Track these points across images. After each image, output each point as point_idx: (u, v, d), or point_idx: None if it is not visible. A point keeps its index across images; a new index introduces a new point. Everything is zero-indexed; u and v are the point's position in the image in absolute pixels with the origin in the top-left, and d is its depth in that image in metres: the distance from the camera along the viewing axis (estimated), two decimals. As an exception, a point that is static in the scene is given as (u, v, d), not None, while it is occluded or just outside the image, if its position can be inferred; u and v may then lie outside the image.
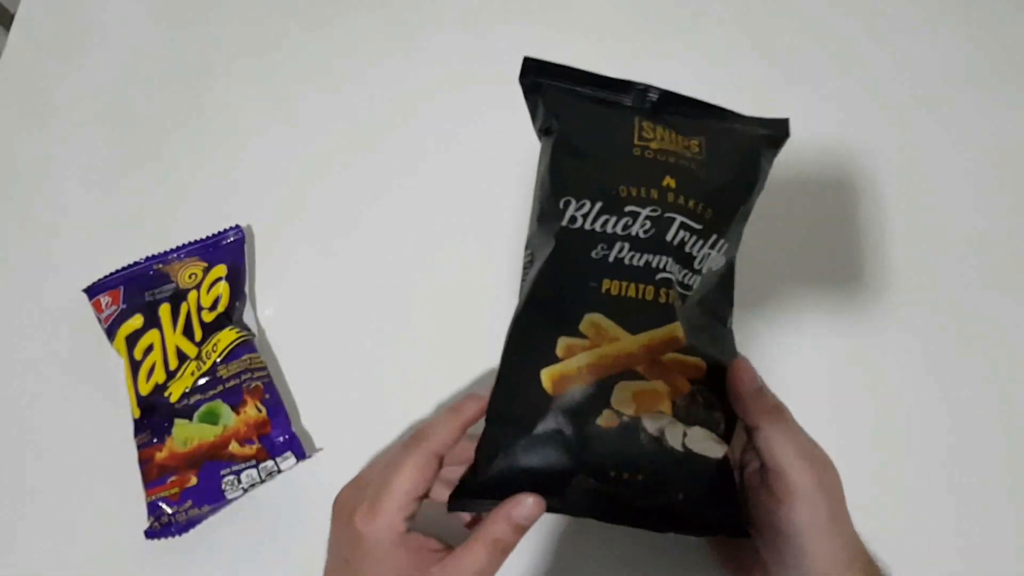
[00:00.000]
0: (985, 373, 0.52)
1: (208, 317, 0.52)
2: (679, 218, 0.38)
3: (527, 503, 0.34)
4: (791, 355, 0.52)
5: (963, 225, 0.57)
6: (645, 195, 0.38)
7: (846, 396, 0.51)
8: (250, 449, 0.48)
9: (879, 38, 0.64)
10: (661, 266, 0.37)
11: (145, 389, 0.50)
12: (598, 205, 0.38)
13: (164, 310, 0.52)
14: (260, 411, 0.49)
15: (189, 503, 0.47)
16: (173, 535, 0.47)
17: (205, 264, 0.54)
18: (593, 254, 0.37)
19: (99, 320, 0.53)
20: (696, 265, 0.38)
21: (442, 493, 0.38)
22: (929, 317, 0.53)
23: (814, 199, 0.58)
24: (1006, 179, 0.58)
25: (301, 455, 0.49)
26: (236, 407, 0.49)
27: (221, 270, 0.54)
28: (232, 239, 0.55)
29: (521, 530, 0.34)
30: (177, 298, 0.52)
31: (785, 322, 0.53)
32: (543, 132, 0.43)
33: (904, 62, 0.63)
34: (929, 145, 0.59)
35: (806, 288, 0.55)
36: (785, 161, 0.58)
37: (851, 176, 0.58)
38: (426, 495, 0.37)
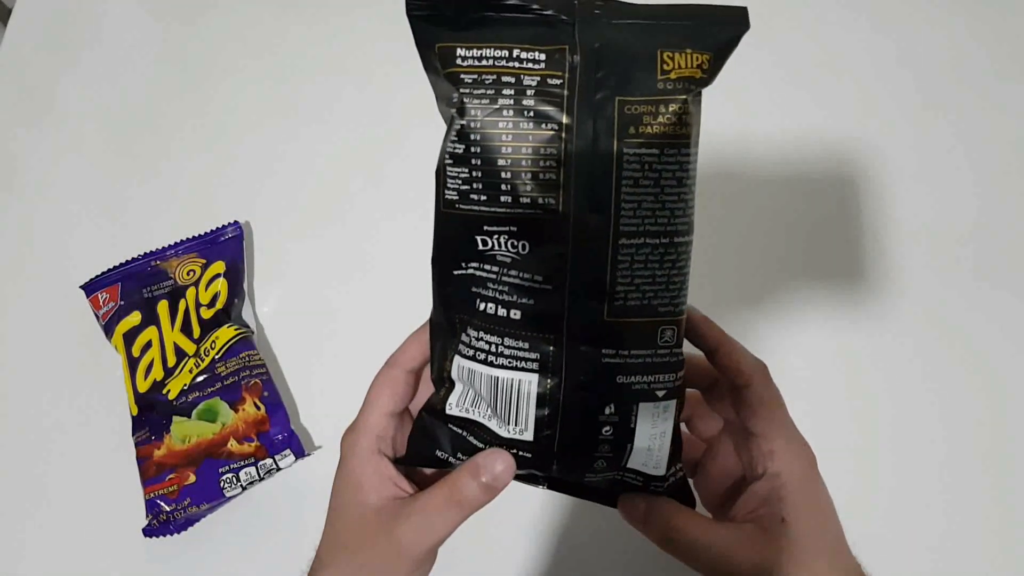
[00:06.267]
0: (985, 371, 0.52)
1: (206, 314, 0.51)
2: None
3: (499, 463, 0.31)
4: (791, 352, 0.52)
5: (964, 224, 0.56)
6: None
7: (846, 394, 0.51)
8: (249, 447, 0.48)
9: (879, 37, 0.64)
10: None
11: (143, 386, 0.50)
12: None
13: (162, 307, 0.52)
14: (259, 409, 0.49)
15: (187, 501, 0.47)
16: (171, 533, 0.47)
17: (203, 261, 0.54)
18: None
19: (97, 317, 0.53)
20: None
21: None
22: (929, 316, 0.53)
23: (812, 196, 0.57)
24: (1008, 178, 0.58)
25: (300, 453, 0.48)
26: (235, 404, 0.49)
27: (219, 267, 0.53)
28: (230, 235, 0.55)
29: (490, 491, 0.32)
30: (175, 295, 0.52)
31: (785, 320, 0.53)
32: None
33: (906, 61, 0.62)
34: (930, 144, 0.59)
35: (806, 286, 0.54)
36: (786, 160, 0.58)
37: (851, 175, 0.58)
38: (403, 416, 0.36)
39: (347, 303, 0.55)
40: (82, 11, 0.68)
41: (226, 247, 0.55)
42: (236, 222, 0.56)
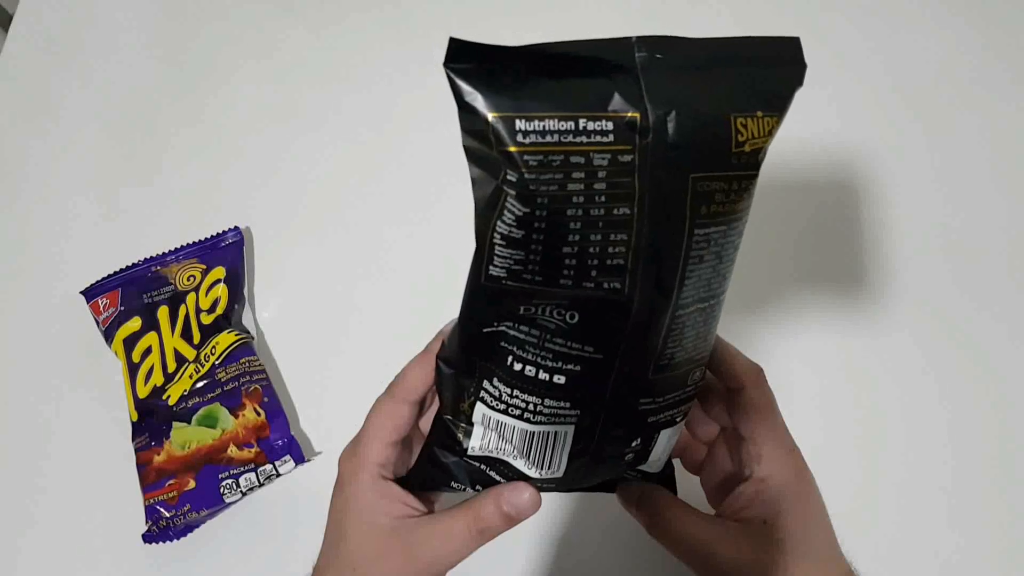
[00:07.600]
0: (985, 374, 0.51)
1: (206, 319, 0.51)
2: None
3: (524, 496, 0.32)
4: (791, 354, 0.52)
5: (964, 225, 0.56)
6: None
7: (846, 398, 0.51)
8: (248, 453, 0.48)
9: (879, 37, 0.64)
10: None
11: (143, 392, 0.49)
12: None
13: (162, 312, 0.52)
14: (259, 414, 0.49)
15: (187, 507, 0.46)
16: (171, 539, 0.47)
17: (203, 266, 0.54)
18: None
19: (97, 322, 0.53)
20: None
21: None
22: (929, 318, 0.53)
23: (814, 199, 0.57)
24: (1008, 179, 0.58)
25: (300, 459, 0.48)
26: (234, 410, 0.49)
27: (220, 272, 0.53)
28: (231, 241, 0.55)
29: (512, 522, 0.32)
30: (175, 300, 0.52)
31: (785, 322, 0.53)
32: None
33: (906, 62, 0.63)
34: (930, 145, 0.59)
35: (806, 288, 0.54)
36: (786, 161, 0.58)
37: (851, 176, 0.58)
38: (405, 441, 0.35)
39: (347, 308, 0.55)
40: (83, 17, 0.68)
41: (226, 252, 0.55)
42: (236, 227, 0.56)
